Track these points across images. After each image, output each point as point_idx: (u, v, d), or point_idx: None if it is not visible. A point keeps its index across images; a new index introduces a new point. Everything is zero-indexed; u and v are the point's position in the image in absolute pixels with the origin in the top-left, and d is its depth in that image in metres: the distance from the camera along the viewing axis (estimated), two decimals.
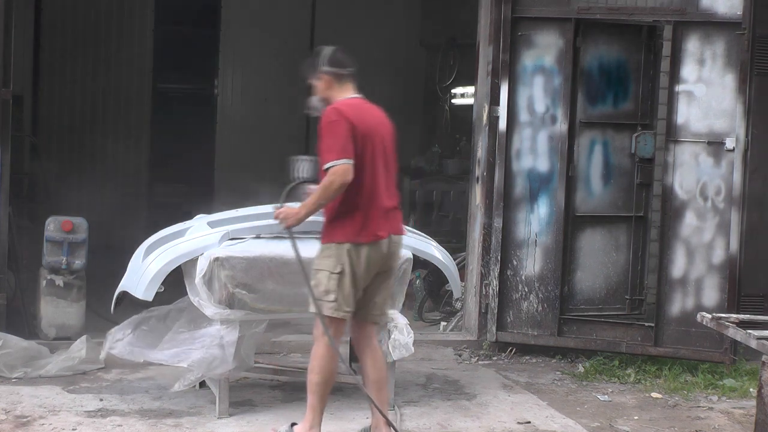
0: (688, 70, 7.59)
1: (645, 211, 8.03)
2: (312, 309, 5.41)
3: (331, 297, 5.33)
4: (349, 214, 5.33)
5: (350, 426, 5.94)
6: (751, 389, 6.97)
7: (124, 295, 6.25)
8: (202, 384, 6.44)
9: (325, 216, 5.43)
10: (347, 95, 5.53)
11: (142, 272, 6.05)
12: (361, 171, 5.31)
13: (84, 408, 6.09)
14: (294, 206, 5.48)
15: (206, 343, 5.89)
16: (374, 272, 5.43)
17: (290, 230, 5.48)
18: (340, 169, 5.20)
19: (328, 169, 5.22)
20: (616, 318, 7.89)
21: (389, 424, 5.55)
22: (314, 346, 5.44)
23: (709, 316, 5.45)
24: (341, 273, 5.31)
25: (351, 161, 5.23)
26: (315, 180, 5.55)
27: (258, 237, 6.12)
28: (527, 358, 7.89)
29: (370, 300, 5.51)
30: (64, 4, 12.90)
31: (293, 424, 5.62)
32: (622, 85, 7.92)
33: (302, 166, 5.68)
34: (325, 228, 5.42)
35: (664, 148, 7.69)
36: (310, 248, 5.61)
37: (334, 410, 6.17)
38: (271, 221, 6.29)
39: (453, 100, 13.51)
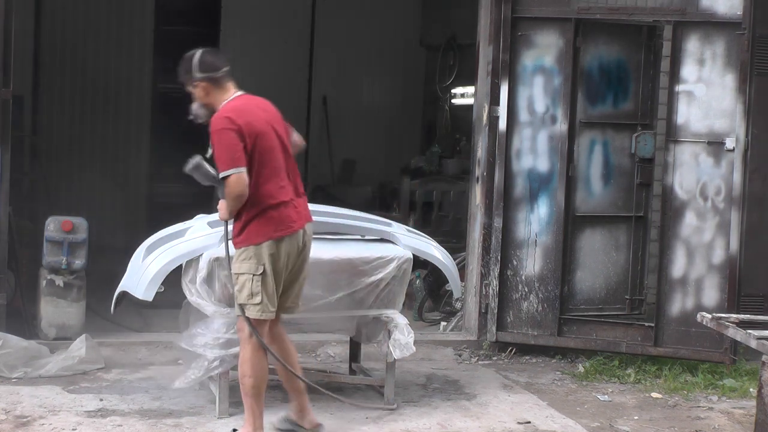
0: (688, 70, 7.59)
1: (645, 211, 8.03)
2: (237, 312, 5.39)
3: (257, 299, 5.28)
4: (262, 214, 5.27)
5: (350, 426, 5.94)
6: (751, 389, 6.97)
7: (124, 295, 6.25)
8: (202, 384, 6.43)
9: (236, 222, 5.35)
10: (229, 95, 5.41)
11: (142, 272, 6.05)
12: (262, 169, 5.26)
13: (84, 408, 6.09)
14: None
15: (207, 343, 5.89)
16: (292, 265, 5.40)
17: (225, 223, 5.48)
18: (232, 179, 5.15)
19: (223, 178, 5.19)
20: (616, 318, 7.89)
21: (309, 385, 5.59)
22: (241, 350, 5.41)
23: (709, 316, 5.45)
24: (263, 273, 5.26)
25: (242, 169, 5.16)
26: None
27: None
28: (527, 358, 7.89)
29: (285, 292, 5.48)
30: (64, 4, 12.90)
31: (234, 430, 5.61)
32: (622, 85, 7.92)
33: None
34: (238, 232, 5.34)
35: (664, 148, 7.69)
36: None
37: (335, 410, 6.17)
38: None
39: (453, 100, 13.52)
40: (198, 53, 5.47)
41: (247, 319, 5.33)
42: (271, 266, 5.29)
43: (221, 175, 5.19)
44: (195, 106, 5.48)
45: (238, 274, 5.32)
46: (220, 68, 5.42)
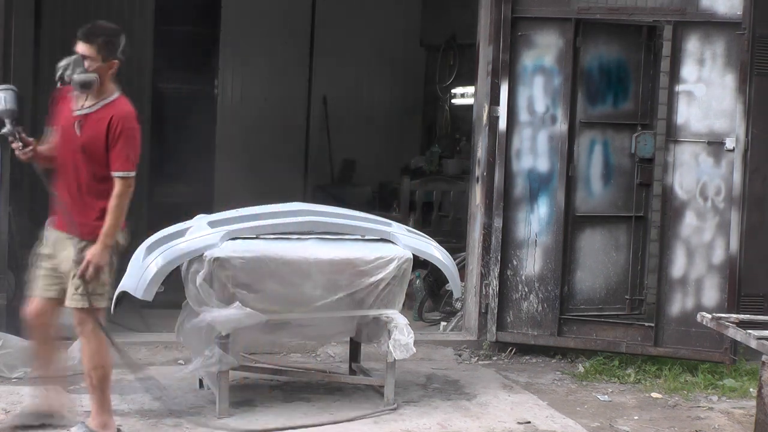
0: (688, 70, 7.59)
1: (645, 211, 8.03)
2: (74, 304, 5.26)
3: (107, 288, 5.34)
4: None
5: (350, 426, 5.94)
6: (751, 389, 6.97)
7: (124, 295, 6.24)
8: (202, 384, 6.44)
9: (89, 214, 5.34)
10: (117, 92, 5.47)
11: (142, 272, 6.04)
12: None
13: (84, 408, 6.07)
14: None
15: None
16: None
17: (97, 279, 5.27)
18: (132, 180, 5.34)
19: (122, 177, 5.27)
20: (616, 318, 7.89)
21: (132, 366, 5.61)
22: (85, 344, 5.32)
23: (709, 316, 5.45)
24: (112, 262, 5.35)
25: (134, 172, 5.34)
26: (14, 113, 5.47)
27: (258, 237, 6.13)
28: (527, 358, 7.89)
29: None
30: (64, 4, 12.89)
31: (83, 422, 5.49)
32: (622, 85, 7.92)
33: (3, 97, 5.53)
34: (92, 226, 5.31)
35: (664, 148, 7.70)
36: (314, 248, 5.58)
37: (335, 410, 6.17)
38: (272, 221, 6.29)
39: (453, 100, 13.52)
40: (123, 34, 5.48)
41: (92, 309, 5.25)
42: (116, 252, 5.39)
43: (123, 173, 5.29)
44: (93, 77, 5.42)
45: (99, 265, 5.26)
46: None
